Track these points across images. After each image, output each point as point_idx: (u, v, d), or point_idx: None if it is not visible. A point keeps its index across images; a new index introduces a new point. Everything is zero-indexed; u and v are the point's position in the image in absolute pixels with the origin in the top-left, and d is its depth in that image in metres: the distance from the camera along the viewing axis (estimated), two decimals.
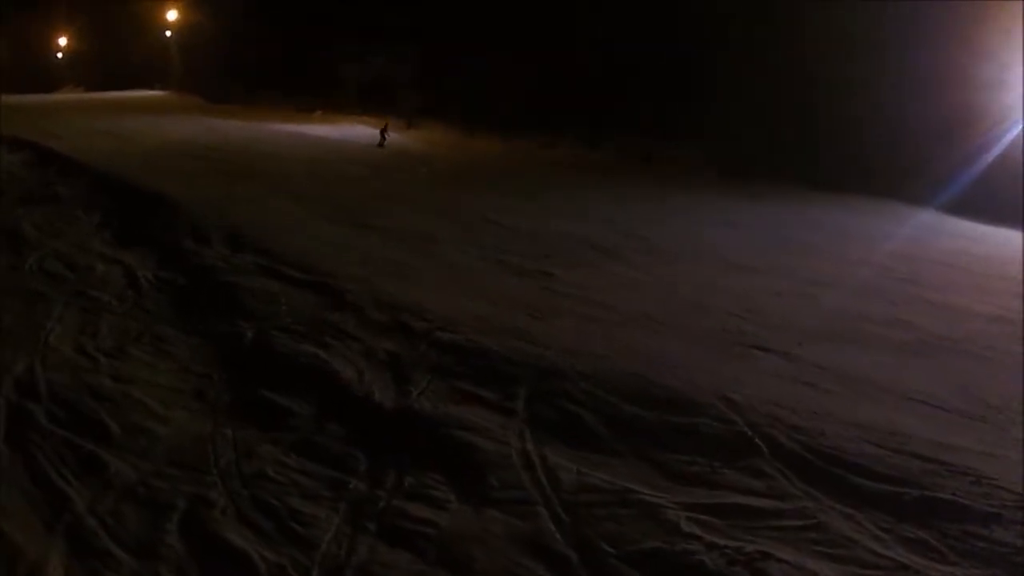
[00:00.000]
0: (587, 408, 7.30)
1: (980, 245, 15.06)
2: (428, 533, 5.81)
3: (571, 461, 6.52)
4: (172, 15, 51.00)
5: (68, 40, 65.36)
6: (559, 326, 9.42)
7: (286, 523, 6.02)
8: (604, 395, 7.45)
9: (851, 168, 18.28)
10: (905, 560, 5.40)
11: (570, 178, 20.84)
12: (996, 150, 17.27)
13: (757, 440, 6.66)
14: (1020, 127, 17.24)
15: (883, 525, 5.74)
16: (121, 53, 55.75)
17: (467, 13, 30.38)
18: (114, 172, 19.55)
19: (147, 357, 9.26)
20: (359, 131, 31.25)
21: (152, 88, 51.16)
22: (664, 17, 23.27)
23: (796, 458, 6.44)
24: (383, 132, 28.69)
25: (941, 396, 7.85)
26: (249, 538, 5.88)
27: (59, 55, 66.11)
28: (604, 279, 11.80)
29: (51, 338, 9.71)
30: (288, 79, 39.46)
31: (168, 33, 51.35)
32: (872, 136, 18.14)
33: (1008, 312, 11.00)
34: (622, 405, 7.28)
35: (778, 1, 20.41)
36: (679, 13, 22.94)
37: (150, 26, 52.64)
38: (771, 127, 20.40)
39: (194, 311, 10.63)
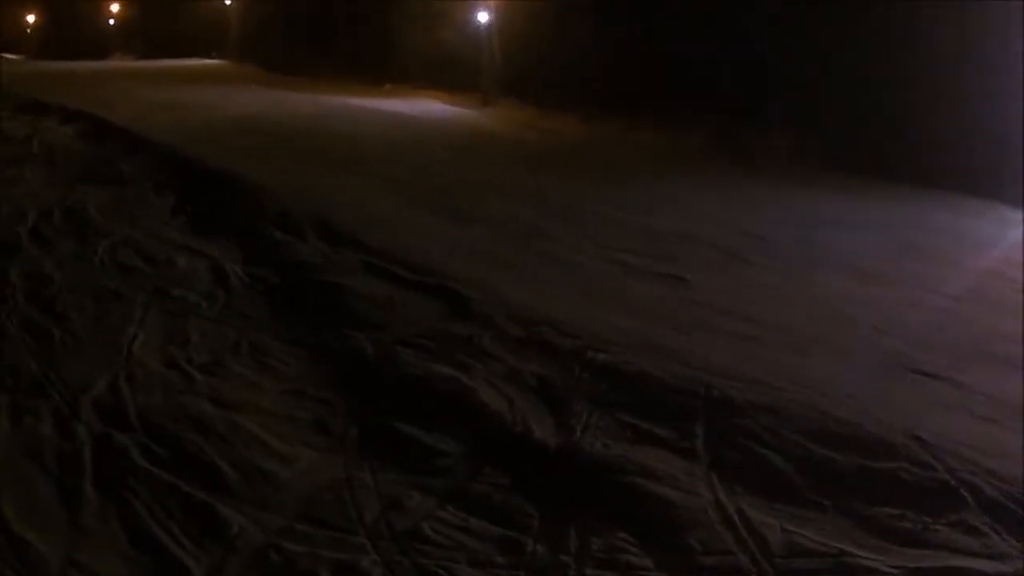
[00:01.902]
0: (773, 450, 6.75)
1: None
2: None
3: (772, 516, 5.99)
4: None
5: (120, 6, 65.18)
6: (711, 344, 8.89)
7: None
8: (788, 434, 6.91)
9: (950, 167, 17.60)
10: None
11: (661, 166, 20.18)
12: None
13: (961, 490, 6.22)
14: None
15: None
16: (176, 21, 55.40)
17: None
18: (180, 148, 18.90)
19: (250, 374, 8.48)
20: (434, 107, 30.55)
21: (209, 57, 50.68)
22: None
23: (1002, 510, 6.03)
24: None
25: None
26: None
27: (111, 22, 65.91)
28: (738, 286, 11.20)
29: (135, 348, 8.98)
30: (352, 50, 38.78)
31: (228, 1, 50.82)
32: (972, 136, 17.44)
33: None
34: (809, 446, 6.75)
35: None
36: None
37: None
38: (865, 121, 19.77)
39: (296, 316, 9.92)
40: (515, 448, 6.91)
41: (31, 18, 78.22)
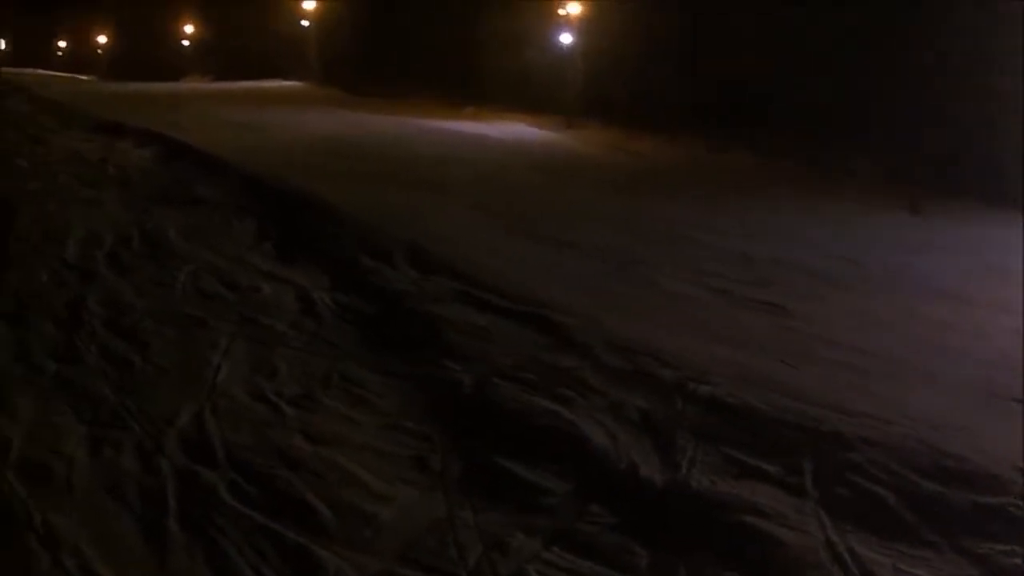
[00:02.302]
0: (884, 485, 6.62)
1: None
2: None
3: (884, 555, 5.88)
4: (309, 4, 51.07)
5: (195, 28, 66.22)
6: (815, 375, 8.81)
7: None
8: (898, 469, 6.78)
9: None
10: None
11: (750, 189, 20.12)
12: None
13: None
14: None
15: None
16: (252, 42, 56.23)
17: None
18: (262, 171, 19.04)
19: (342, 407, 8.36)
20: (517, 129, 30.76)
21: (287, 79, 51.27)
22: (838, 19, 22.69)
23: None
24: None
25: None
26: None
27: (185, 43, 66.96)
28: (838, 313, 11.08)
29: (219, 379, 8.93)
30: (433, 71, 39.10)
31: (305, 23, 51.46)
32: None
33: None
34: (920, 481, 6.63)
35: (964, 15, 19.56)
36: (854, 15, 22.32)
37: (284, 14, 52.87)
38: (944, 139, 19.73)
39: (388, 347, 9.83)
40: (621, 485, 6.80)
41: (102, 39, 79.86)
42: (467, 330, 9.93)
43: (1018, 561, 5.80)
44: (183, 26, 66.80)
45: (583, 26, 31.44)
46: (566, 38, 31.86)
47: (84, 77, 72.25)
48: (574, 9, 31.57)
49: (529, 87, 33.43)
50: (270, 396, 8.51)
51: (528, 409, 8.00)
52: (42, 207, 17.51)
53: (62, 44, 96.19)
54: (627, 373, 8.64)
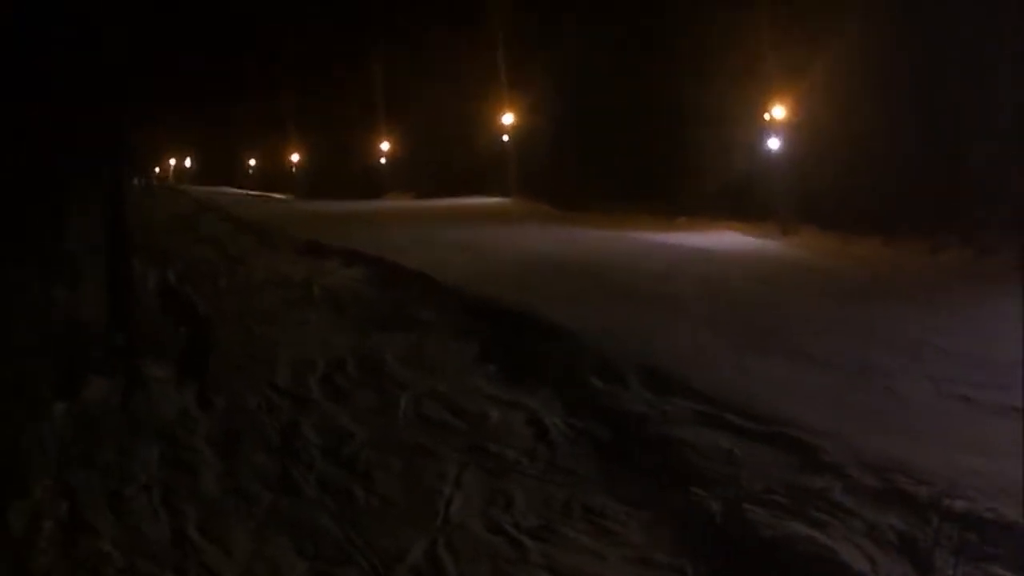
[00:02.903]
0: None
1: None
2: None
3: None
4: (508, 119, 52.00)
5: (390, 144, 67.81)
6: None
7: None
8: None
9: None
10: None
11: (973, 288, 19.99)
12: None
13: None
14: None
15: None
16: (450, 158, 57.34)
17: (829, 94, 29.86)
18: (478, 291, 19.23)
19: (586, 540, 8.34)
20: (732, 239, 30.80)
21: (490, 195, 51.98)
22: None
23: None
24: None
25: None
26: None
27: (382, 160, 68.60)
28: None
29: (452, 510, 9.01)
30: (637, 182, 39.51)
31: (505, 137, 52.32)
32: None
33: None
34: None
35: None
36: None
37: (482, 130, 53.90)
38: None
39: (628, 474, 9.82)
40: None
41: (295, 157, 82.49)
42: (710, 453, 9.90)
43: None
44: (379, 143, 68.50)
45: (789, 130, 31.85)
46: (773, 143, 32.31)
47: (279, 196, 74.52)
48: (778, 113, 31.97)
49: (739, 194, 33.92)
50: (507, 528, 8.53)
51: (784, 536, 7.95)
52: (247, 329, 18.09)
53: (252, 162, 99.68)
54: (879, 491, 8.60)
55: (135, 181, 44.28)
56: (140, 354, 15.44)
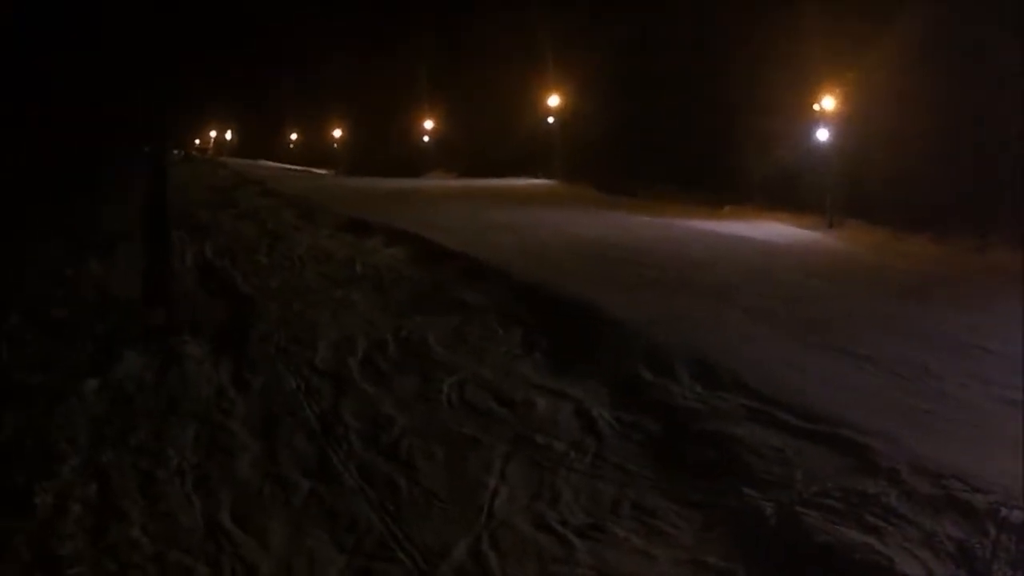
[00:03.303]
0: None
1: None
2: None
3: None
4: (554, 100, 52.07)
5: (435, 124, 67.87)
6: None
7: None
8: None
9: None
10: None
11: (1018, 292, 19.12)
12: None
13: None
14: None
15: None
16: (493, 139, 57.23)
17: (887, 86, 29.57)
18: (524, 275, 19.02)
19: (636, 539, 8.20)
20: (779, 230, 30.59)
21: (534, 176, 51.89)
22: None
23: None
24: None
25: None
26: None
27: (425, 138, 68.67)
28: None
29: (496, 505, 8.87)
30: (683, 168, 39.49)
31: (551, 119, 52.29)
32: None
33: None
34: None
35: None
36: None
37: (527, 111, 53.86)
38: None
39: (680, 470, 9.66)
40: None
41: (337, 133, 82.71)
42: (762, 451, 9.73)
43: None
44: (423, 121, 68.55)
45: (839, 122, 31.68)
46: (822, 134, 32.19)
47: (320, 171, 74.72)
48: (828, 104, 31.77)
49: (787, 185, 33.94)
50: (555, 526, 8.39)
51: (839, 542, 7.82)
52: (287, 307, 17.98)
53: (293, 136, 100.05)
54: (935, 498, 8.46)
55: (175, 152, 44.39)
56: (176, 331, 15.32)
